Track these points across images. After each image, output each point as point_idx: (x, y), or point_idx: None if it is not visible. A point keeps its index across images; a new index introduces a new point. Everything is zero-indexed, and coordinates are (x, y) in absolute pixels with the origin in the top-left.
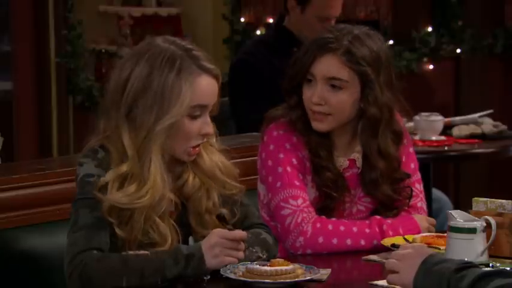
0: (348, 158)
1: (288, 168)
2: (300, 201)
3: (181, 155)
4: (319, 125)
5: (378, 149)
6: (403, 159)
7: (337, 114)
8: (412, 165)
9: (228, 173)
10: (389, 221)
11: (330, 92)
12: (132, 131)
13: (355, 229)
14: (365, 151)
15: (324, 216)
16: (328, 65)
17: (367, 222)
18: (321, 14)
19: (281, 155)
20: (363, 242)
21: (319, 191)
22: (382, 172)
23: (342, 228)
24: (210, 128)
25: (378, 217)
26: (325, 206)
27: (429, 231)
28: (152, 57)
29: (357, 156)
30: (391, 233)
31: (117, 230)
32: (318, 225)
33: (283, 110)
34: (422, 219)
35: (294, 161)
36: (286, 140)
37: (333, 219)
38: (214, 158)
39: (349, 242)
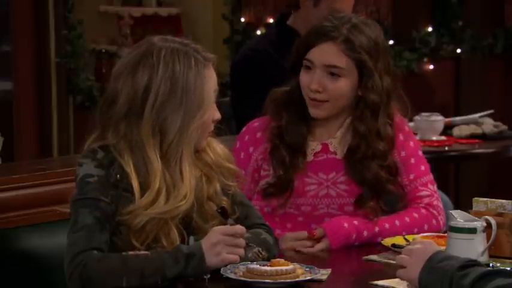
0: (321, 142)
1: None
2: None
3: (201, 145)
4: (316, 112)
5: (377, 132)
6: (412, 161)
7: (335, 101)
8: (422, 167)
9: (227, 158)
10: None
11: (328, 80)
12: (156, 139)
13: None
14: (362, 135)
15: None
16: (327, 53)
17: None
18: (334, 6)
19: (237, 144)
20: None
21: (273, 169)
22: (378, 151)
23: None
24: (218, 113)
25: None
26: (278, 182)
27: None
28: (169, 58)
29: (331, 141)
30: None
31: (134, 241)
32: None
33: (284, 92)
34: None
35: (242, 155)
36: (250, 133)
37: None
38: (213, 145)
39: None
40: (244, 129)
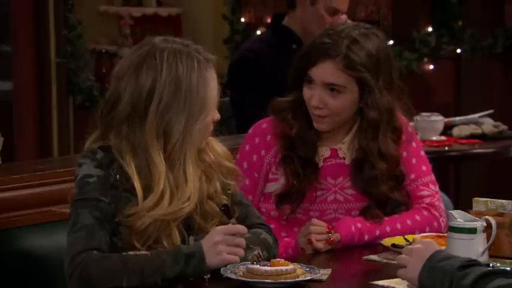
0: (330, 148)
1: (244, 164)
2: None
3: (201, 145)
4: (320, 126)
5: (378, 151)
6: (413, 162)
7: (336, 116)
8: (424, 168)
9: (226, 157)
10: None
11: (329, 96)
12: (160, 142)
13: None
14: (365, 152)
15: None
16: (326, 71)
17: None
18: (330, 5)
19: (247, 147)
20: None
21: (286, 178)
22: (382, 171)
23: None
24: (218, 113)
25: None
26: (291, 192)
27: None
28: (172, 59)
29: (340, 146)
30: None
31: (135, 242)
32: None
33: (288, 101)
34: None
35: (254, 158)
36: (259, 135)
37: None
38: (212, 144)
39: None
40: (251, 131)
